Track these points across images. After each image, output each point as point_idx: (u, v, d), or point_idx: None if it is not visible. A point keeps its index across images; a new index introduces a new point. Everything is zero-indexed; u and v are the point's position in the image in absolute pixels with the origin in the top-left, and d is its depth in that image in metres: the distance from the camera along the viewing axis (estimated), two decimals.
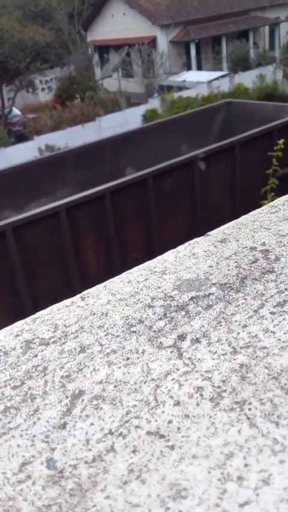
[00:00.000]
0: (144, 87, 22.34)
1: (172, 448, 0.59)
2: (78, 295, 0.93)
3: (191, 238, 1.07)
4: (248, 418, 0.61)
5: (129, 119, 18.44)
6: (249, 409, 0.63)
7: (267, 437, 0.59)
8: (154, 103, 19.28)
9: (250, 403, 0.63)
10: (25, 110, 23.41)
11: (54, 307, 0.91)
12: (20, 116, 21.95)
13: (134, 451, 0.60)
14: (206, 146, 6.94)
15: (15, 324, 0.88)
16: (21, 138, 18.97)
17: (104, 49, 27.42)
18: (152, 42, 24.85)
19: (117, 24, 26.38)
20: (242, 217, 1.14)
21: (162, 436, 0.61)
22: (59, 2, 25.48)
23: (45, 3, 26.62)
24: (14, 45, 19.17)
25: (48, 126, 18.65)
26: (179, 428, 0.62)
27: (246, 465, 0.56)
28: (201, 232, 1.09)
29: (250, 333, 0.76)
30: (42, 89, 23.46)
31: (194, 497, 0.53)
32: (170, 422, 0.63)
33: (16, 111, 22.28)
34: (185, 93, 19.67)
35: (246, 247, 1.00)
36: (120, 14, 26.42)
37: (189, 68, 25.19)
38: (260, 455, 0.57)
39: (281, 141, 5.21)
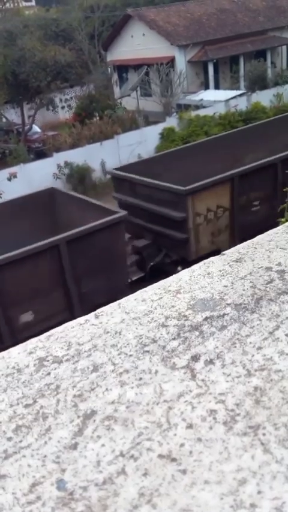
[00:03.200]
0: (162, 106, 22.57)
1: (184, 472, 0.58)
2: (92, 313, 0.93)
3: None
4: (262, 444, 0.60)
5: (146, 137, 18.60)
6: (263, 434, 0.61)
7: (281, 463, 0.57)
8: (172, 121, 19.45)
9: (264, 428, 0.62)
10: (45, 127, 23.84)
11: (68, 324, 0.91)
12: (39, 133, 22.34)
13: (145, 474, 0.59)
14: None
15: (30, 341, 0.88)
16: (40, 154, 19.27)
17: (123, 69, 27.87)
18: (171, 62, 25.17)
19: (137, 45, 26.82)
20: (258, 236, 1.13)
21: (174, 460, 0.60)
22: (79, 22, 26.07)
23: (67, 24, 27.24)
24: (36, 64, 19.60)
25: (67, 144, 18.92)
26: (191, 452, 0.61)
27: (259, 492, 0.55)
28: None
29: (265, 355, 0.75)
30: (62, 107, 23.88)
31: None
32: (182, 445, 0.62)
33: (36, 128, 22.69)
34: (202, 112, 19.80)
35: (261, 267, 1.00)
36: (140, 34, 26.87)
37: (206, 87, 25.40)
38: (274, 482, 0.55)
39: None
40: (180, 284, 0.98)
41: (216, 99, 20.91)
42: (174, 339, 0.82)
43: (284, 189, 5.49)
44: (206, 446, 0.61)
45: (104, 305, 0.95)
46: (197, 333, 0.82)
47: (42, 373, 0.78)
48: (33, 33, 22.48)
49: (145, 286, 1.00)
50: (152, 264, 8.65)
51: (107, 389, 0.73)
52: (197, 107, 20.66)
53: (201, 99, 21.64)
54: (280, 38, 27.53)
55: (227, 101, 20.50)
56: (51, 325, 1.04)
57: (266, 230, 1.13)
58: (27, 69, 19.49)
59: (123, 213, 7.48)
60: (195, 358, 0.76)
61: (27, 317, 6.58)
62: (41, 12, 33.13)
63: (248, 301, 0.89)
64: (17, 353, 0.85)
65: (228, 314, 0.86)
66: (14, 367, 0.81)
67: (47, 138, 20.99)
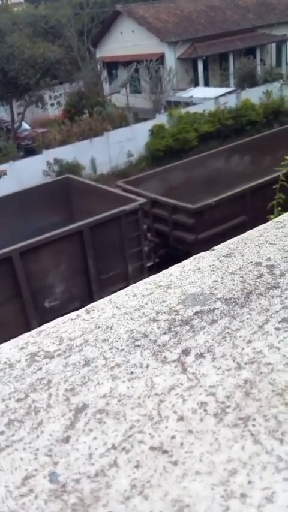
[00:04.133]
0: (152, 103, 22.55)
1: (175, 463, 0.59)
2: (83, 308, 0.94)
3: None
4: (252, 435, 0.61)
5: (136, 134, 18.59)
6: (253, 426, 0.62)
7: (271, 454, 0.58)
8: (161, 118, 19.45)
9: (254, 420, 0.63)
10: (34, 124, 23.71)
11: (60, 320, 0.92)
12: (29, 131, 22.23)
13: (136, 466, 0.59)
14: None
15: (21, 336, 0.89)
16: (30, 152, 19.18)
17: (112, 65, 27.79)
18: (160, 58, 25.15)
19: (126, 41, 26.76)
20: (248, 232, 1.14)
21: (165, 452, 0.61)
22: (69, 19, 25.93)
23: (56, 21, 27.10)
24: (25, 61, 19.48)
25: (56, 141, 18.85)
26: (182, 444, 0.61)
27: (249, 482, 0.56)
28: None
29: (255, 348, 0.76)
30: (52, 104, 23.76)
31: None
32: (173, 437, 0.62)
33: (25, 125, 22.56)
34: (192, 109, 19.83)
35: (251, 262, 1.01)
36: (129, 31, 26.80)
37: (196, 84, 25.43)
38: (264, 473, 0.56)
39: None
40: (170, 279, 0.99)
41: (206, 96, 20.95)
42: (165, 333, 0.82)
43: (274, 186, 5.52)
44: (196, 438, 0.62)
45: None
46: (187, 327, 0.83)
47: (34, 368, 0.79)
48: (22, 30, 22.36)
49: None
50: None
51: (98, 383, 0.73)
52: (187, 104, 20.68)
53: (191, 96, 21.66)
54: (269, 35, 27.62)
55: (216, 98, 20.55)
56: None
57: None
58: (16, 66, 19.36)
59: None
60: (186, 351, 0.77)
61: None
62: (29, 9, 32.92)
63: (238, 296, 0.90)
64: (8, 348, 0.85)
65: (218, 308, 0.87)
66: (5, 363, 0.81)
67: (36, 135, 20.89)
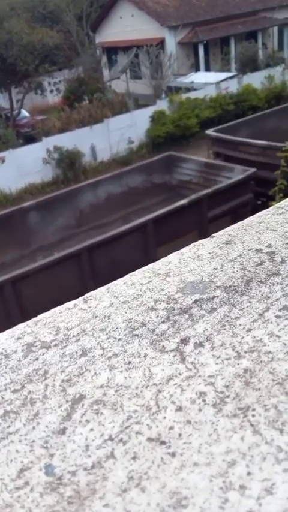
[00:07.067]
0: (153, 89, 22.32)
1: (173, 455, 0.58)
2: (80, 298, 0.92)
3: None
4: (252, 425, 0.60)
5: (137, 120, 18.44)
6: (253, 416, 0.61)
7: (271, 445, 0.57)
8: (162, 104, 19.27)
9: (254, 410, 0.62)
10: (33, 111, 23.54)
11: (57, 309, 0.90)
12: (28, 118, 22.07)
13: (134, 458, 0.58)
14: None
15: (17, 326, 0.87)
16: (29, 139, 19.07)
17: (112, 51, 27.47)
18: (161, 43, 24.83)
19: (126, 26, 26.41)
20: (248, 218, 1.12)
21: (163, 443, 0.59)
22: (67, 4, 25.57)
23: (54, 5, 26.73)
24: (23, 47, 19.26)
25: (56, 128, 18.72)
26: (180, 435, 0.60)
27: (249, 474, 0.54)
28: None
29: (255, 337, 0.74)
30: (51, 91, 23.59)
31: (194, 507, 0.52)
32: (171, 428, 0.61)
33: (25, 112, 22.39)
34: (193, 94, 19.62)
35: (251, 249, 0.99)
36: (129, 15, 26.44)
37: (197, 69, 25.13)
38: (264, 464, 0.55)
39: None
40: (169, 267, 0.97)
41: (207, 81, 20.72)
42: (163, 322, 0.81)
43: (275, 172, 5.48)
44: (195, 428, 0.61)
45: None
46: (186, 316, 0.82)
47: (30, 359, 0.77)
48: (20, 15, 22.08)
49: None
50: None
51: (95, 373, 0.72)
52: (188, 90, 20.46)
53: (192, 82, 21.43)
54: (271, 18, 27.22)
55: (217, 83, 20.32)
56: None
57: None
58: (15, 52, 19.15)
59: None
60: (184, 341, 0.76)
61: None
62: None
63: (238, 283, 0.88)
64: (4, 339, 0.84)
65: (217, 296, 0.85)
66: (1, 353, 0.80)
67: (36, 123, 20.75)
